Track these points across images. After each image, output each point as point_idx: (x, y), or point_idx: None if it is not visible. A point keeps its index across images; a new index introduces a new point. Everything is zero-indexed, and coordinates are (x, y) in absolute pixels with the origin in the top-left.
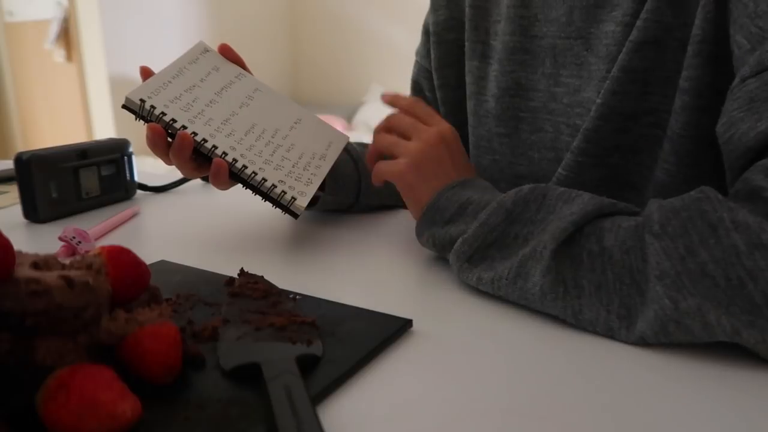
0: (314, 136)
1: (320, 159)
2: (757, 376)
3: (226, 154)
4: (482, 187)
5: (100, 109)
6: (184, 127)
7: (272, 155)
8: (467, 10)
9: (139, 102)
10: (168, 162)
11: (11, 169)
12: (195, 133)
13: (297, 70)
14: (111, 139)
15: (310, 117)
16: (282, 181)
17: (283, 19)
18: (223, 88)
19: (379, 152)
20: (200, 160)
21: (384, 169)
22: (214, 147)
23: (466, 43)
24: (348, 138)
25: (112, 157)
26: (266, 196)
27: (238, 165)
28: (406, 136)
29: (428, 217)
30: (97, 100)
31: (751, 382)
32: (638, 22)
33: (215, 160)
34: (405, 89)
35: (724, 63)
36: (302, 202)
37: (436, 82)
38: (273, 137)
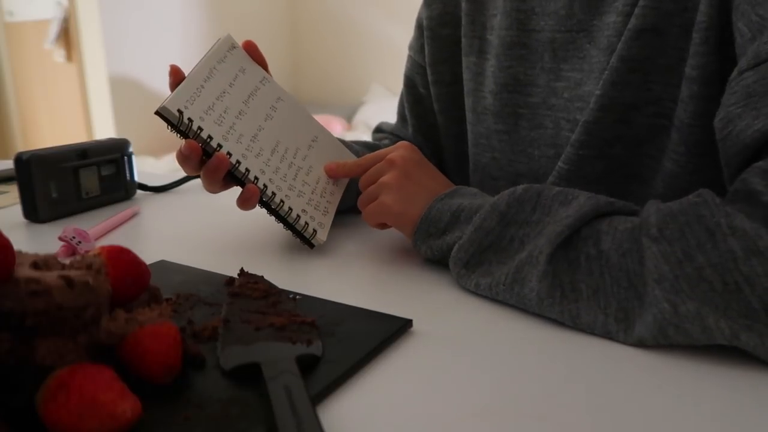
0: (329, 156)
1: (334, 184)
2: (757, 377)
3: (257, 179)
4: (471, 194)
5: (100, 109)
6: (220, 146)
7: (294, 179)
8: (463, 4)
9: (177, 114)
10: (192, 174)
11: (11, 169)
12: (229, 153)
13: (297, 70)
14: (111, 139)
15: (325, 134)
16: (305, 211)
17: (283, 19)
18: (249, 96)
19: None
20: (227, 179)
21: (370, 212)
22: (247, 170)
23: (463, 39)
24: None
25: (112, 157)
26: (289, 225)
27: (269, 192)
28: (376, 179)
29: (423, 231)
30: (97, 100)
31: (750, 383)
32: (637, 10)
33: (248, 186)
34: None
35: (731, 49)
36: (322, 235)
37: (429, 78)
38: (294, 158)
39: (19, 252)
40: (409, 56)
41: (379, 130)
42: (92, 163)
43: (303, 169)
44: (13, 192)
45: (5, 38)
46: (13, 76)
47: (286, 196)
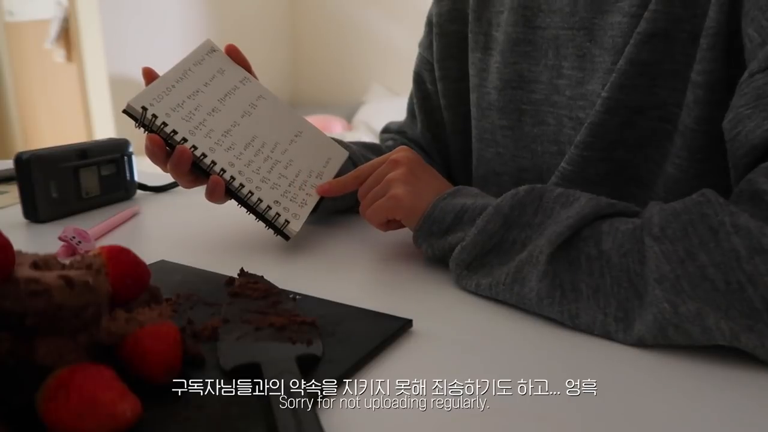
0: (313, 150)
1: (317, 177)
2: (756, 378)
3: (224, 171)
4: (473, 194)
5: (100, 109)
6: (185, 140)
7: (270, 172)
8: (471, 1)
9: (140, 110)
10: (166, 171)
11: (11, 169)
12: (195, 147)
13: (297, 70)
14: (111, 139)
15: (311, 129)
16: (277, 202)
17: (283, 19)
18: (226, 95)
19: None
20: (198, 173)
21: (380, 207)
22: (213, 163)
23: (469, 35)
24: (347, 154)
25: (112, 156)
26: (260, 216)
27: (236, 183)
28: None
29: (425, 229)
30: (97, 100)
31: (749, 383)
32: (646, 14)
33: (212, 177)
34: (405, 89)
35: (738, 56)
36: (295, 226)
37: (437, 74)
38: (272, 152)
39: (19, 252)
40: (419, 53)
41: (386, 130)
42: (92, 163)
43: (281, 162)
44: (13, 192)
45: (5, 38)
46: (13, 76)
47: (256, 187)
